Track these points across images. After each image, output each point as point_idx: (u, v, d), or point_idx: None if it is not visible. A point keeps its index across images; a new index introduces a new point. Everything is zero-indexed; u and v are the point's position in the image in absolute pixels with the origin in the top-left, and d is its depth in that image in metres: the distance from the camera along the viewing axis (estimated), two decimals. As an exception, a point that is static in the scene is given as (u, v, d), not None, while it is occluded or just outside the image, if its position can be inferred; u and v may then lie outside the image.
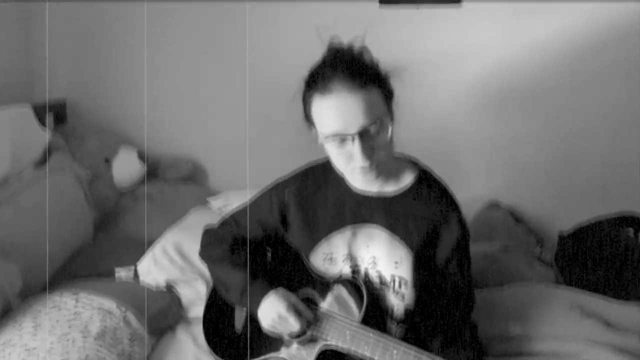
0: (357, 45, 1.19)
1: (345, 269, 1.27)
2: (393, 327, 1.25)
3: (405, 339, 1.23)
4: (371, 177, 1.19)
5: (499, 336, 1.53)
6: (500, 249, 2.00)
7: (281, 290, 1.27)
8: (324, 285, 1.27)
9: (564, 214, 2.23)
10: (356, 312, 1.21)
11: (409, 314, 1.24)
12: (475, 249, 1.82)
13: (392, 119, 1.19)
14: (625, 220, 2.06)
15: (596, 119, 2.23)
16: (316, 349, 1.23)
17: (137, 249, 1.89)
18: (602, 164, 2.26)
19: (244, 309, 1.35)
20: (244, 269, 1.32)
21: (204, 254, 1.43)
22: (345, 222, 1.28)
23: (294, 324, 1.22)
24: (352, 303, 1.22)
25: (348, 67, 1.13)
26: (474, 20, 2.21)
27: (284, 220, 1.35)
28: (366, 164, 1.14)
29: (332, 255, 1.29)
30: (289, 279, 1.32)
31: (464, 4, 2.21)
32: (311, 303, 1.28)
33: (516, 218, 2.29)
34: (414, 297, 1.23)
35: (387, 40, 2.19)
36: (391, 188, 1.27)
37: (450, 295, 1.26)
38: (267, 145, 2.42)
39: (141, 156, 2.35)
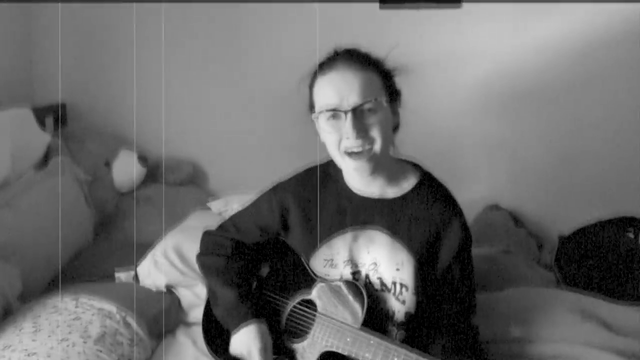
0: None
1: (346, 274, 1.26)
2: (394, 331, 1.24)
3: (405, 343, 1.22)
4: (364, 168, 1.19)
5: (499, 339, 1.52)
6: (500, 251, 2.01)
7: (262, 326, 1.27)
8: (324, 288, 1.26)
9: (564, 216, 2.23)
10: (357, 315, 1.20)
11: (409, 318, 1.24)
12: (476, 251, 1.81)
13: (396, 119, 1.22)
14: (625, 222, 2.06)
15: (596, 121, 2.24)
16: (317, 353, 1.22)
17: (137, 251, 1.89)
18: (602, 166, 2.27)
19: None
20: (234, 288, 1.30)
21: (201, 260, 1.42)
22: (346, 225, 1.27)
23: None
24: (351, 306, 1.21)
25: (351, 51, 1.20)
26: (474, 22, 2.22)
27: (285, 223, 1.35)
28: (357, 143, 1.15)
29: (332, 259, 1.28)
30: (290, 283, 1.31)
31: (464, 6, 2.22)
32: (312, 306, 1.28)
33: (516, 220, 2.30)
34: (415, 302, 1.23)
35: (388, 41, 2.20)
36: (393, 191, 1.27)
37: (451, 300, 1.25)
38: (268, 147, 2.42)
39: (141, 159, 2.36)
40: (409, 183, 1.27)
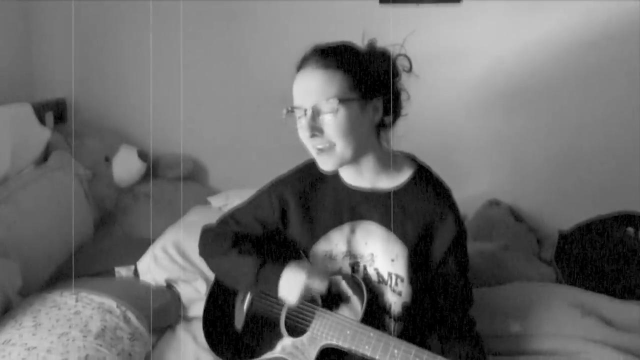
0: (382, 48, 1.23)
1: (345, 266, 1.27)
2: (391, 324, 1.25)
3: (403, 335, 1.23)
4: (328, 164, 1.20)
5: (499, 334, 1.53)
6: (500, 247, 2.00)
7: (292, 263, 1.25)
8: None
9: (564, 213, 2.22)
10: (356, 310, 1.21)
11: (406, 310, 1.24)
12: (476, 247, 1.94)
13: (378, 117, 1.21)
14: (625, 218, 2.06)
15: (597, 117, 2.23)
16: (317, 347, 1.22)
17: (137, 247, 1.89)
18: (602, 162, 2.26)
19: (245, 305, 1.36)
20: (251, 255, 1.29)
21: (206, 251, 1.41)
22: (343, 219, 1.28)
23: (320, 287, 1.21)
24: (351, 301, 1.22)
25: (320, 50, 1.19)
26: (474, 19, 2.21)
27: (284, 217, 1.35)
28: (314, 142, 1.16)
29: (331, 253, 1.28)
30: None
31: (464, 2, 2.21)
32: (311, 300, 1.28)
33: (516, 216, 2.29)
34: (410, 294, 1.23)
35: (387, 38, 2.19)
36: (387, 184, 1.27)
37: (447, 292, 1.26)
38: (269, 143, 2.41)
39: (141, 155, 2.35)
40: (403, 176, 1.27)
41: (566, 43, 2.17)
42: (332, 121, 1.15)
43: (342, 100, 1.14)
